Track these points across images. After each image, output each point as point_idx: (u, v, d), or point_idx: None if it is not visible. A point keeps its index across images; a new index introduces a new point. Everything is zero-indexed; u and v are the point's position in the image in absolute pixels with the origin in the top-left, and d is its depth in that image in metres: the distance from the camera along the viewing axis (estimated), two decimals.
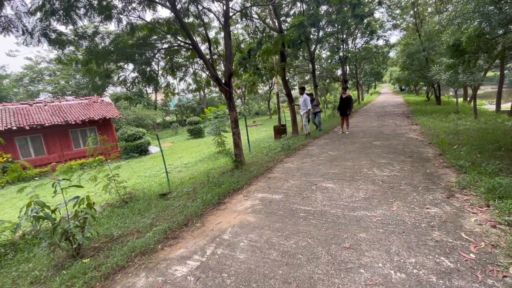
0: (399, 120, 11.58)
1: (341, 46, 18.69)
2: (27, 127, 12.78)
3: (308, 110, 9.31)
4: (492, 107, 15.94)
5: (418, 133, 8.00)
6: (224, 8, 5.83)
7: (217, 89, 38.08)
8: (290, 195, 4.06)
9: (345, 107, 9.22)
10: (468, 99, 19.01)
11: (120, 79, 5.98)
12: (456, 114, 11.31)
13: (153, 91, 31.73)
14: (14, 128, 12.46)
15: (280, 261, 2.46)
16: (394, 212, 3.15)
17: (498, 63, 10.59)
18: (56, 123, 13.55)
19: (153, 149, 17.31)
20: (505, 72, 14.89)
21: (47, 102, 15.75)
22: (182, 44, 5.99)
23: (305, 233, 2.89)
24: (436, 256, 2.29)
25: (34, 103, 15.21)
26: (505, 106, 15.62)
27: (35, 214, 2.78)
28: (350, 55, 18.61)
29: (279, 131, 11.13)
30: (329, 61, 22.02)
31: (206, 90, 36.63)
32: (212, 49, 6.19)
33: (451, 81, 6.82)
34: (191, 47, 5.91)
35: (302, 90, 9.48)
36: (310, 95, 12.60)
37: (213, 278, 2.34)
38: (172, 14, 5.94)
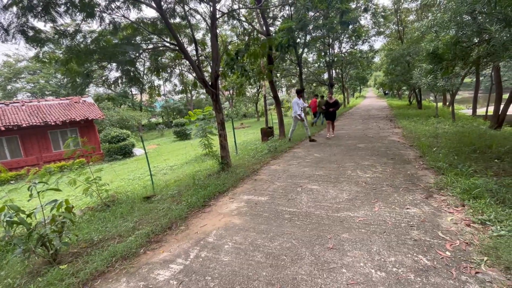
0: (383, 123, 11.93)
1: (328, 51, 19.08)
2: (3, 128, 12.17)
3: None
4: (469, 112, 16.72)
5: (400, 136, 8.26)
6: (211, 9, 5.82)
7: (204, 91, 37.87)
8: (276, 197, 4.08)
9: (332, 111, 9.17)
10: (447, 103, 19.84)
11: (103, 79, 5.83)
12: (436, 118, 11.77)
13: (138, 92, 31.12)
14: None
15: (264, 262, 2.46)
16: (376, 213, 3.23)
17: (474, 70, 11.14)
18: (35, 123, 12.99)
19: (138, 151, 16.92)
20: (480, 78, 15.68)
21: (25, 102, 15.08)
22: (167, 45, 5.92)
23: (290, 235, 2.91)
24: (415, 254, 2.37)
25: (10, 103, 14.52)
26: (481, 111, 16.42)
27: (8, 218, 2.65)
28: (336, 59, 19.00)
29: (266, 133, 11.18)
30: (316, 65, 22.43)
31: (193, 92, 36.31)
32: (199, 50, 6.15)
33: (430, 85, 7.11)
34: (177, 48, 5.85)
35: (300, 92, 9.10)
36: (322, 97, 13.66)
37: (196, 281, 2.30)
38: (158, 14, 5.86)
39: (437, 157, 5.19)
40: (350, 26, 11.63)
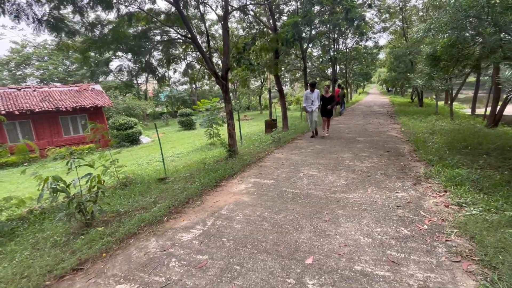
0: (383, 119, 12.29)
1: (332, 46, 19.27)
2: (17, 112, 12.64)
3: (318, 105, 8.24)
4: (470, 111, 16.98)
5: (398, 132, 8.66)
6: (223, 4, 6.15)
7: (208, 82, 38.05)
8: (280, 180, 4.53)
9: (329, 108, 8.33)
10: (449, 102, 20.07)
11: (124, 69, 6.25)
12: (435, 116, 12.11)
13: (144, 82, 31.43)
14: (3, 112, 12.30)
15: (271, 230, 2.93)
16: (368, 195, 3.67)
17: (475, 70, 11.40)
18: (47, 109, 13.44)
19: (144, 139, 17.40)
20: (485, 78, 15.86)
21: (36, 87, 15.49)
22: (182, 38, 6.28)
23: (292, 210, 3.37)
24: (398, 226, 2.82)
25: (22, 88, 14.95)
26: (481, 110, 16.68)
27: (54, 186, 3.11)
28: (340, 55, 19.18)
29: (270, 125, 11.58)
30: (320, 60, 22.61)
31: (198, 83, 36.61)
32: (210, 43, 6.51)
33: (426, 86, 7.46)
34: (189, 40, 6.21)
35: (312, 86, 8.13)
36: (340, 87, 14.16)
37: (214, 241, 2.77)
38: (171, 7, 6.22)
39: (430, 151, 5.60)
40: (356, 22, 11.83)
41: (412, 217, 3.02)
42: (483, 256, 2.22)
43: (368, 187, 3.96)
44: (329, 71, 24.64)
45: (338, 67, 23.61)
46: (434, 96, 26.77)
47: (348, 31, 19.30)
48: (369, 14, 21.20)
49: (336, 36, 18.91)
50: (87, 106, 14.58)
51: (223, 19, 6.09)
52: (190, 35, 5.70)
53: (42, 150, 13.88)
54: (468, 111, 19.41)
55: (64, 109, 13.87)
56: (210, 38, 8.78)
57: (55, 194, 3.13)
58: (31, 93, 14.48)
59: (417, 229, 2.76)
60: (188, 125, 21.98)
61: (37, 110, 13.16)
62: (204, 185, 4.40)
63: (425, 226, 2.80)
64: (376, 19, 20.80)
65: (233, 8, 6.86)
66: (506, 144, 5.91)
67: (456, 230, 2.67)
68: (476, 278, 2.01)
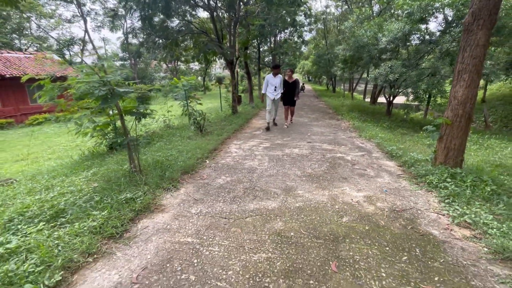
0: (312, 99, 17.88)
1: (272, 39, 24.01)
2: None
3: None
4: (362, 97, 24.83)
5: (324, 104, 14.06)
6: (234, 19, 9.62)
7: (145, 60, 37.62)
8: (277, 120, 8.81)
9: (291, 94, 7.54)
10: (351, 91, 27.99)
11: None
12: (343, 98, 18.45)
13: (79, 53, 29.35)
14: None
15: (290, 129, 7.21)
16: (320, 123, 8.38)
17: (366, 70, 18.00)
18: (16, 75, 13.51)
19: None
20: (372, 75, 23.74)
21: None
22: (214, 42, 9.41)
23: (291, 132, 7.72)
24: (333, 128, 7.56)
25: None
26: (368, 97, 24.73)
27: (191, 111, 6.52)
28: (278, 48, 24.17)
29: (238, 100, 15.45)
30: (261, 49, 27.11)
31: (138, 59, 36.09)
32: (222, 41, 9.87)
33: (340, 75, 12.88)
34: (217, 42, 9.38)
35: (276, 68, 7.19)
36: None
37: (271, 133, 6.87)
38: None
39: (342, 111, 10.87)
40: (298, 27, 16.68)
41: (338, 126, 7.83)
42: (358, 130, 7.11)
43: (319, 121, 8.69)
44: (268, 59, 29.56)
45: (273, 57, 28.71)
46: (342, 86, 35.29)
47: (287, 30, 24.31)
48: (301, 18, 26.77)
49: (277, 31, 23.66)
50: (58, 76, 14.98)
51: (233, 29, 9.58)
52: (218, 42, 9.04)
53: (12, 116, 14.09)
54: (362, 97, 27.80)
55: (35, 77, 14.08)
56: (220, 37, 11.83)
57: (192, 117, 6.55)
58: None
59: (340, 128, 7.55)
60: (143, 100, 23.27)
61: (8, 75, 13.17)
62: (243, 120, 8.27)
63: (343, 128, 7.63)
64: (305, 22, 26.49)
65: (239, 21, 10.24)
66: (375, 111, 11.81)
67: (352, 128, 7.57)
68: (356, 133, 6.85)
